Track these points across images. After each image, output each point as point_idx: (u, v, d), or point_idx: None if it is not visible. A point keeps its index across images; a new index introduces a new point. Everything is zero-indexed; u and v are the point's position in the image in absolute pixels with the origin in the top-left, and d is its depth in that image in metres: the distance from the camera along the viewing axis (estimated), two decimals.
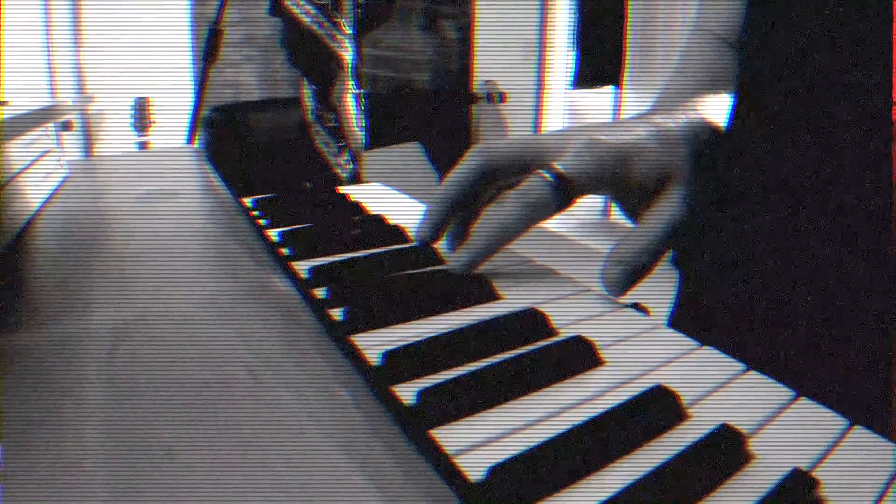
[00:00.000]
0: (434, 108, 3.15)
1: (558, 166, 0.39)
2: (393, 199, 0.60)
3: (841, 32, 0.37)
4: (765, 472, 0.23)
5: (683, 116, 0.45)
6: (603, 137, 0.40)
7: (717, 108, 0.47)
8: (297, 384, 0.27)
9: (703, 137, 0.44)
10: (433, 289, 0.37)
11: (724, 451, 0.23)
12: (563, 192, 0.38)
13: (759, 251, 0.41)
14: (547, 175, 0.38)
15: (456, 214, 0.43)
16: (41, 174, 0.53)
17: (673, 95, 0.51)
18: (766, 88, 0.42)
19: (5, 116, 0.45)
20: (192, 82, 2.77)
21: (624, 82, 2.65)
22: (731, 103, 0.46)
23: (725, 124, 0.46)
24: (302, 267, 0.40)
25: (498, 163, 0.41)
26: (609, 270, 0.38)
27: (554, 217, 0.40)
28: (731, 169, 0.44)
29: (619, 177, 0.40)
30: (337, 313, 0.34)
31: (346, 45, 1.84)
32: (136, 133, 2.50)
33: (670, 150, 0.41)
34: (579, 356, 0.30)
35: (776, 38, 0.41)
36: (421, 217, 0.43)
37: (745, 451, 0.24)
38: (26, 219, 0.46)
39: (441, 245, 0.46)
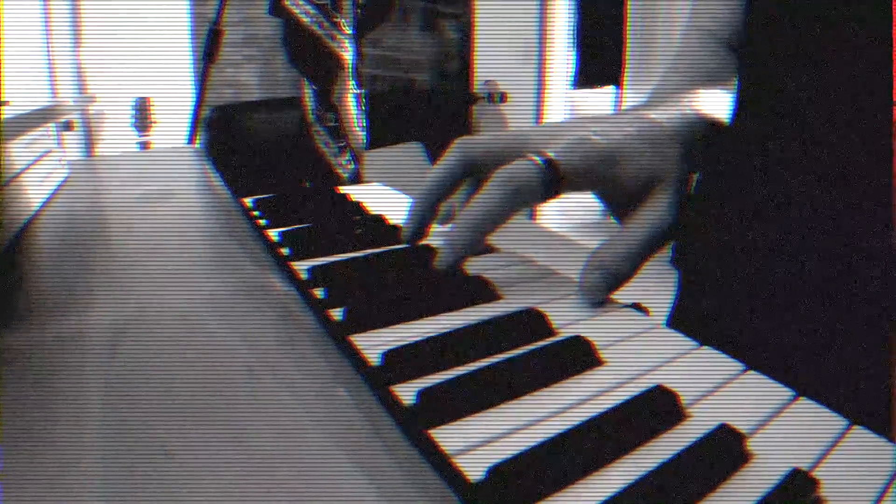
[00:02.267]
0: (434, 108, 3.15)
1: (549, 152, 0.38)
2: (393, 199, 0.60)
3: (840, 31, 0.37)
4: (764, 472, 0.23)
5: (677, 111, 0.44)
6: (593, 136, 0.39)
7: (713, 102, 0.47)
8: (296, 384, 0.27)
9: (699, 132, 0.43)
10: (433, 289, 0.37)
11: (724, 450, 0.23)
12: (551, 179, 0.37)
13: (758, 251, 0.41)
14: (536, 158, 0.37)
15: (440, 210, 0.43)
16: (42, 174, 0.53)
17: (667, 91, 0.50)
18: (766, 88, 0.42)
19: (6, 116, 0.45)
20: (193, 82, 2.77)
21: (624, 82, 2.65)
22: (732, 99, 0.46)
23: (727, 118, 0.46)
24: (301, 267, 0.40)
25: (479, 155, 0.40)
26: (588, 276, 0.37)
27: (539, 205, 0.39)
28: (729, 164, 0.44)
29: (607, 177, 0.39)
30: (336, 313, 0.34)
31: (346, 45, 1.84)
32: (136, 133, 2.51)
33: (661, 152, 0.40)
34: (579, 356, 0.30)
35: (775, 39, 0.41)
36: (405, 216, 0.43)
37: (745, 451, 0.24)
38: (27, 218, 0.46)
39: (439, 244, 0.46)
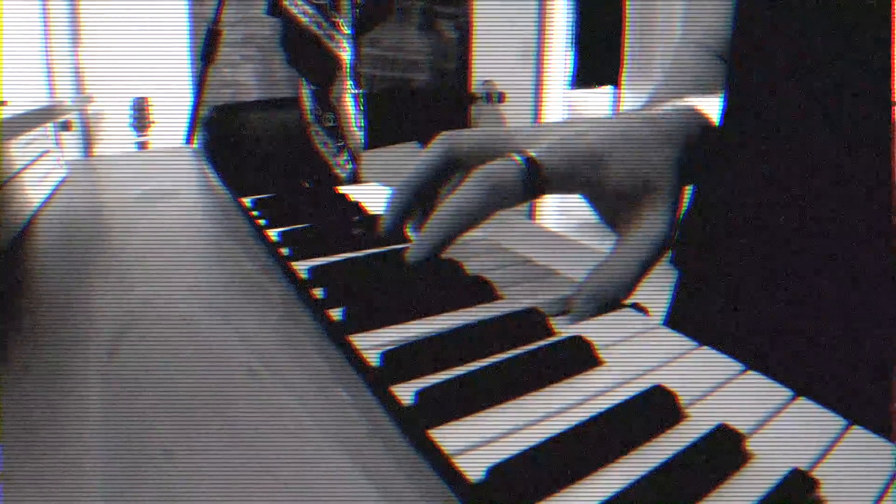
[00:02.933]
0: (432, 108, 3.15)
1: (530, 152, 0.37)
2: None
3: (839, 32, 0.37)
4: (764, 472, 0.23)
5: (672, 110, 0.43)
6: (578, 136, 0.38)
7: (705, 106, 0.46)
8: (296, 384, 0.27)
9: (693, 134, 0.42)
10: (432, 289, 0.37)
11: (723, 451, 0.23)
12: (533, 180, 0.36)
13: (758, 252, 0.41)
14: (517, 157, 0.36)
15: (419, 203, 0.42)
16: (40, 174, 0.53)
17: (661, 99, 0.48)
18: (762, 91, 0.42)
19: (5, 116, 0.45)
20: (191, 82, 2.77)
21: (622, 82, 2.65)
22: (722, 107, 0.45)
23: (717, 121, 0.45)
24: (301, 267, 0.40)
25: (462, 151, 0.40)
26: (577, 303, 0.36)
27: (520, 206, 0.37)
28: (725, 168, 0.44)
29: (593, 179, 0.38)
30: (336, 313, 0.34)
31: (345, 45, 1.84)
32: (135, 133, 2.51)
33: (652, 155, 0.39)
34: (578, 356, 0.30)
35: (770, 39, 0.41)
36: (384, 206, 0.42)
37: (744, 451, 0.24)
38: (26, 219, 0.46)
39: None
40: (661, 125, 0.41)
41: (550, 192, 0.38)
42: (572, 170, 0.37)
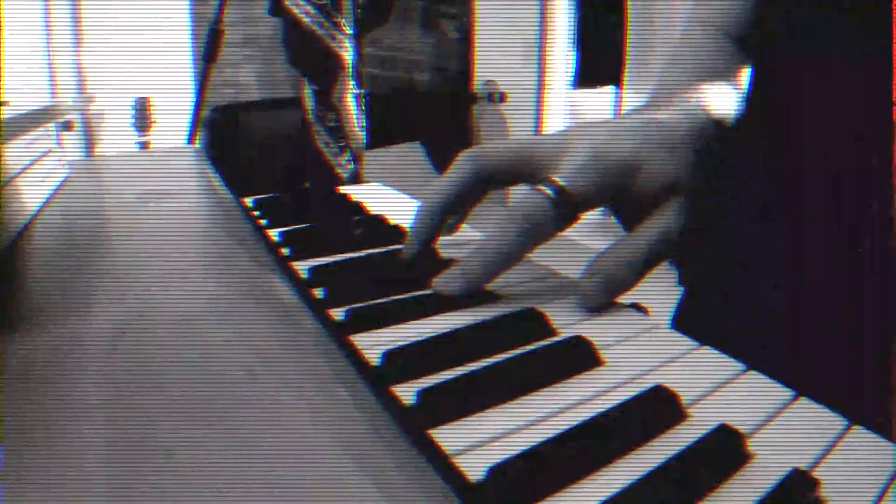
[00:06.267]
0: (434, 108, 3.14)
1: (559, 180, 0.37)
2: (393, 199, 0.60)
3: (840, 33, 0.37)
4: (764, 472, 0.23)
5: (687, 112, 0.42)
6: (607, 149, 0.38)
7: (719, 100, 0.45)
8: (296, 384, 0.27)
9: (708, 133, 0.42)
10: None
11: (724, 451, 0.23)
12: (568, 210, 0.36)
13: (759, 251, 0.41)
14: (549, 191, 0.36)
15: (444, 221, 0.42)
16: (42, 174, 0.53)
17: (670, 87, 0.47)
18: (769, 90, 0.42)
19: (6, 116, 0.45)
20: (193, 82, 2.77)
21: (624, 82, 2.65)
22: (738, 96, 0.44)
23: (731, 115, 0.44)
24: (302, 267, 0.40)
25: (490, 170, 0.40)
26: (586, 281, 0.36)
27: (558, 236, 0.37)
28: (732, 165, 0.43)
29: (622, 189, 0.38)
30: (337, 313, 0.34)
31: (347, 44, 1.84)
32: (136, 133, 2.50)
33: (677, 160, 0.39)
34: (579, 356, 0.30)
35: (778, 40, 0.41)
36: (410, 227, 0.42)
37: (745, 451, 0.24)
38: (27, 219, 0.46)
39: (441, 247, 0.46)
40: (680, 131, 0.40)
41: (585, 211, 0.38)
42: (603, 187, 0.37)
